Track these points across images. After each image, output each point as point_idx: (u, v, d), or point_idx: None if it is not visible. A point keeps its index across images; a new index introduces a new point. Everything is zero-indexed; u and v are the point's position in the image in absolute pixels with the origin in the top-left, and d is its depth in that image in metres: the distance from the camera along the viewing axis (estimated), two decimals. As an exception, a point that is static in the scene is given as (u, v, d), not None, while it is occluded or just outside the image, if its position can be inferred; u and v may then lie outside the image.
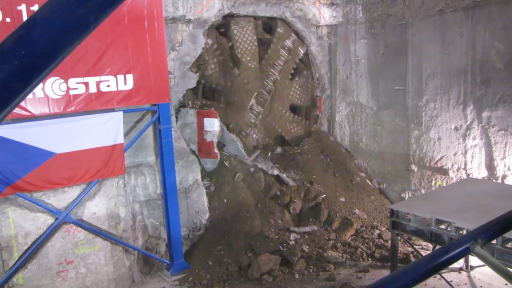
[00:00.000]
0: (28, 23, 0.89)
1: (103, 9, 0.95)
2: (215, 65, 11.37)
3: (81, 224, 8.20)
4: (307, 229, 10.14)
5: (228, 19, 11.37)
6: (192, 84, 10.55)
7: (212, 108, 10.59)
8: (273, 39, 12.36)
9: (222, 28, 11.61)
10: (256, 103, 12.01)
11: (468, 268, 8.82)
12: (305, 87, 13.23)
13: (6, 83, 0.85)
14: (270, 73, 12.34)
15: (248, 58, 11.91)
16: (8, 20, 6.81)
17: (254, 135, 11.94)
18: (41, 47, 0.88)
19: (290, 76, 12.93)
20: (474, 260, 8.76)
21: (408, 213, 7.78)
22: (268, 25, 12.49)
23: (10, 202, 7.56)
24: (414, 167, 11.32)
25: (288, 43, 12.55)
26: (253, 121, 11.86)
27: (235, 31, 11.57)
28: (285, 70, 12.70)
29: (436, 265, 1.96)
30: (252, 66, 12.00)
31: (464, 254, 2.08)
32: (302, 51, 12.92)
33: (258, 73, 12.14)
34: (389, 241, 9.27)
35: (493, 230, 2.13)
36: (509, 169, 9.58)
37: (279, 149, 12.38)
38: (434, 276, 8.33)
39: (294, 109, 13.05)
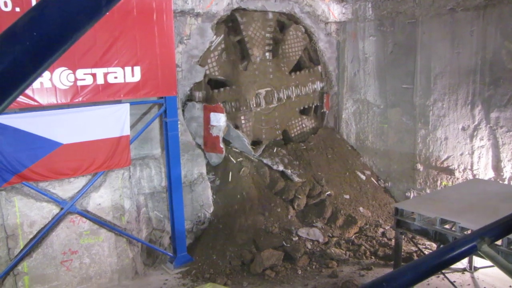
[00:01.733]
0: (41, 5, 0.89)
1: (115, -7, 0.95)
2: (260, 34, 11.56)
3: (86, 214, 8.25)
4: (315, 236, 10.05)
5: (284, 19, 12.16)
6: (200, 77, 10.54)
7: (219, 103, 10.57)
8: (310, 70, 12.88)
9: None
10: (264, 95, 11.97)
11: (472, 268, 8.78)
12: (308, 127, 13.28)
13: (18, 64, 0.85)
14: (290, 89, 12.49)
15: (285, 60, 12.26)
16: (17, 9, 6.83)
17: (243, 120, 11.71)
18: (53, 29, 0.88)
19: (302, 109, 13.04)
20: (478, 261, 8.72)
21: (412, 212, 7.75)
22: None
23: (17, 191, 7.62)
24: (420, 166, 11.27)
25: (318, 85, 13.07)
26: (252, 106, 11.79)
27: (290, 33, 12.15)
28: (302, 100, 12.89)
29: (441, 262, 1.95)
30: (283, 69, 12.27)
31: (471, 252, 2.07)
32: (324, 100, 13.23)
33: (282, 78, 12.31)
34: (393, 240, 9.25)
35: (501, 229, 2.12)
36: (516, 170, 9.52)
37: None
38: (437, 276, 8.31)
39: (285, 137, 12.84)
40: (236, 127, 11.37)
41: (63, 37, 0.89)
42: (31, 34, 0.86)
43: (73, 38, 0.90)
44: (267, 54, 11.88)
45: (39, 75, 0.92)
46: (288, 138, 12.76)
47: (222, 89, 11.11)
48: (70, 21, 0.89)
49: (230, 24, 11.19)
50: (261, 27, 11.57)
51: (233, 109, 11.35)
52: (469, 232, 6.80)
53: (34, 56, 0.87)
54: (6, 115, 7.08)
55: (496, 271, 7.80)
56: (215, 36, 10.65)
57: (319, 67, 13.06)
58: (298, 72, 12.72)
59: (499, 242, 6.41)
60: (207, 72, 10.82)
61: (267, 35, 11.77)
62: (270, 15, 11.71)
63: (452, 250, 1.96)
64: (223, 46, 10.99)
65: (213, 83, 11.31)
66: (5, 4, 6.73)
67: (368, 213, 11.03)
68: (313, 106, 13.34)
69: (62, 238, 8.08)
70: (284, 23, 12.30)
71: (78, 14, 0.89)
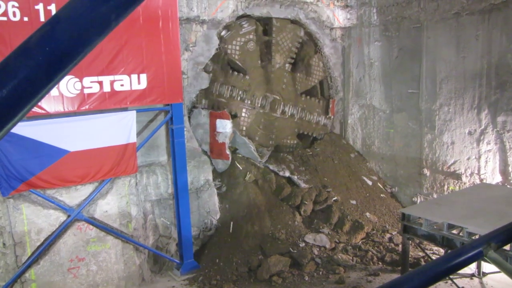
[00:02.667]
0: (53, 21, 0.92)
1: (124, 7, 0.97)
2: (287, 44, 11.95)
3: (93, 222, 8.28)
4: (322, 242, 10.02)
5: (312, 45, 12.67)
6: (205, 84, 10.60)
7: (225, 110, 10.62)
8: (320, 102, 13.13)
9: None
10: (271, 100, 11.99)
11: (480, 274, 8.71)
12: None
13: (31, 78, 0.88)
14: (296, 109, 12.56)
15: (300, 80, 12.52)
16: (26, 19, 6.91)
17: (244, 113, 11.65)
18: (64, 44, 0.91)
19: (301, 133, 13.04)
20: (486, 266, 8.66)
21: (419, 217, 7.72)
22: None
23: (24, 199, 7.67)
24: (426, 171, 11.23)
25: (322, 120, 13.17)
26: (256, 104, 11.76)
27: (314, 59, 12.62)
28: (303, 125, 12.87)
29: (448, 268, 1.95)
30: (296, 87, 12.49)
31: (477, 258, 2.06)
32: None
33: (292, 94, 12.44)
34: (400, 245, 9.21)
35: (507, 235, 2.11)
36: (523, 175, 9.46)
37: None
38: (445, 281, 8.25)
39: (276, 151, 12.65)
40: (235, 115, 11.40)
41: (75, 51, 0.92)
42: (44, 49, 0.89)
43: (84, 52, 0.93)
44: (287, 65, 12.11)
45: (52, 88, 0.95)
46: (281, 147, 12.66)
47: (236, 73, 11.37)
48: (81, 36, 0.92)
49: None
50: (290, 39, 11.94)
51: (239, 97, 11.42)
52: (476, 237, 6.76)
53: (47, 70, 0.90)
54: (14, 124, 7.13)
55: (505, 276, 7.74)
56: (247, 24, 11.15)
57: (329, 103, 13.17)
58: (308, 97, 12.85)
59: (507, 247, 6.37)
60: (228, 51, 11.09)
61: (293, 48, 12.09)
62: (302, 33, 12.14)
63: (458, 256, 1.96)
64: (251, 36, 11.31)
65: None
66: (14, 14, 6.81)
67: (375, 218, 10.99)
68: (312, 137, 13.23)
69: (69, 245, 8.12)
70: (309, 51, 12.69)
71: (89, 29, 0.92)
